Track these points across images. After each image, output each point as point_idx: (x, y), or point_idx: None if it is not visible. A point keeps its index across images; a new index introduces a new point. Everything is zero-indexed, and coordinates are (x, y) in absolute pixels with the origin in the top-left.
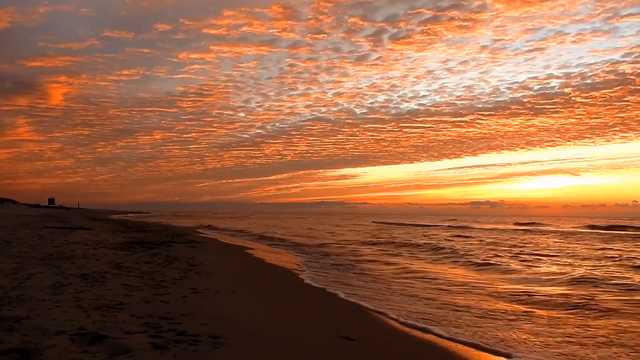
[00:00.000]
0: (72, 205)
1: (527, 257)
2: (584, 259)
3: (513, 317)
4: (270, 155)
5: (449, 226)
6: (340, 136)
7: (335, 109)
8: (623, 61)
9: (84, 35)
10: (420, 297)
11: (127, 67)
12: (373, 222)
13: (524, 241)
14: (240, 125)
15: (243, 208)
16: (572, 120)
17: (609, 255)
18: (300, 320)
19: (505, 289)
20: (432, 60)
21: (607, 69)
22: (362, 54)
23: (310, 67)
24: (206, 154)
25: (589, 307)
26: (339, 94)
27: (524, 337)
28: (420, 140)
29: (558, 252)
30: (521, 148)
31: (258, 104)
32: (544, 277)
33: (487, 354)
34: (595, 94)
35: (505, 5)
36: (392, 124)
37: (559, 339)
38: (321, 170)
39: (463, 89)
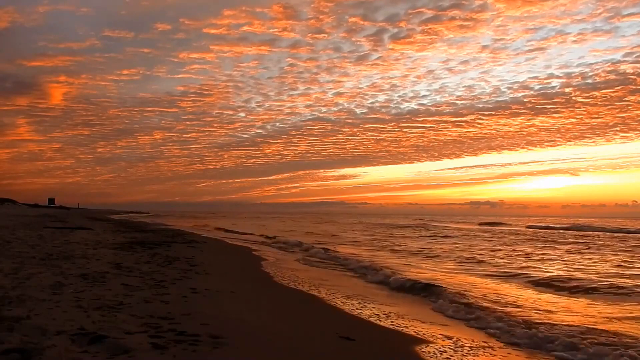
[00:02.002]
0: (72, 205)
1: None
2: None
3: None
4: (271, 155)
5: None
6: (340, 136)
7: (335, 108)
8: (624, 61)
9: (84, 35)
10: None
11: (127, 67)
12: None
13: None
14: (241, 125)
15: (243, 208)
16: (573, 120)
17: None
18: (301, 320)
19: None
20: (432, 60)
21: (608, 69)
22: (362, 53)
23: (310, 66)
24: (206, 154)
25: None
26: (339, 94)
27: None
28: (421, 140)
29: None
30: (521, 148)
31: (258, 104)
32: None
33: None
34: (596, 93)
35: (506, 5)
36: (393, 123)
37: None
38: (321, 170)
39: (464, 88)
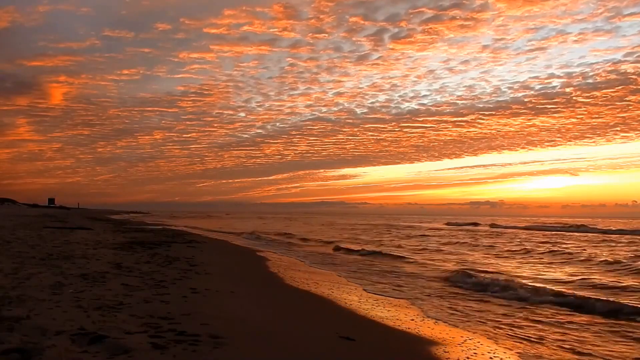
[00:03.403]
0: (72, 205)
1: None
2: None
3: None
4: (271, 155)
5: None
6: (340, 136)
7: (335, 108)
8: (625, 61)
9: (84, 34)
10: None
11: (127, 67)
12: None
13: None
14: (241, 125)
15: (243, 208)
16: (573, 120)
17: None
18: (301, 319)
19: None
20: (433, 60)
21: (609, 69)
22: (363, 53)
23: (311, 66)
24: (206, 154)
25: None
26: (339, 94)
27: None
28: (421, 140)
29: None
30: (522, 148)
31: (258, 104)
32: None
33: None
34: (597, 93)
35: (506, 5)
36: (393, 123)
37: None
38: (321, 170)
39: (464, 88)
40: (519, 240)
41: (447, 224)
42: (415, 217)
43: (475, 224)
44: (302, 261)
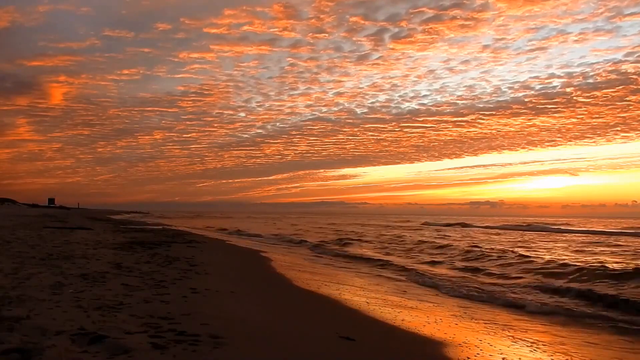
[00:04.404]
0: (72, 205)
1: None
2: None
3: None
4: (271, 155)
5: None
6: (340, 136)
7: (336, 108)
8: (625, 60)
9: (84, 34)
10: None
11: (128, 67)
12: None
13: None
14: (241, 125)
15: (243, 208)
16: (574, 120)
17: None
18: (301, 319)
19: None
20: (433, 60)
21: (609, 69)
22: (363, 53)
23: (311, 66)
24: (206, 154)
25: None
26: (339, 94)
27: None
28: (421, 140)
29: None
30: (522, 148)
31: (258, 104)
32: None
33: None
34: (597, 93)
35: (507, 4)
36: (393, 123)
37: None
38: (321, 170)
39: (464, 88)
40: (471, 240)
41: (423, 223)
42: (407, 217)
43: (448, 225)
44: (307, 262)
